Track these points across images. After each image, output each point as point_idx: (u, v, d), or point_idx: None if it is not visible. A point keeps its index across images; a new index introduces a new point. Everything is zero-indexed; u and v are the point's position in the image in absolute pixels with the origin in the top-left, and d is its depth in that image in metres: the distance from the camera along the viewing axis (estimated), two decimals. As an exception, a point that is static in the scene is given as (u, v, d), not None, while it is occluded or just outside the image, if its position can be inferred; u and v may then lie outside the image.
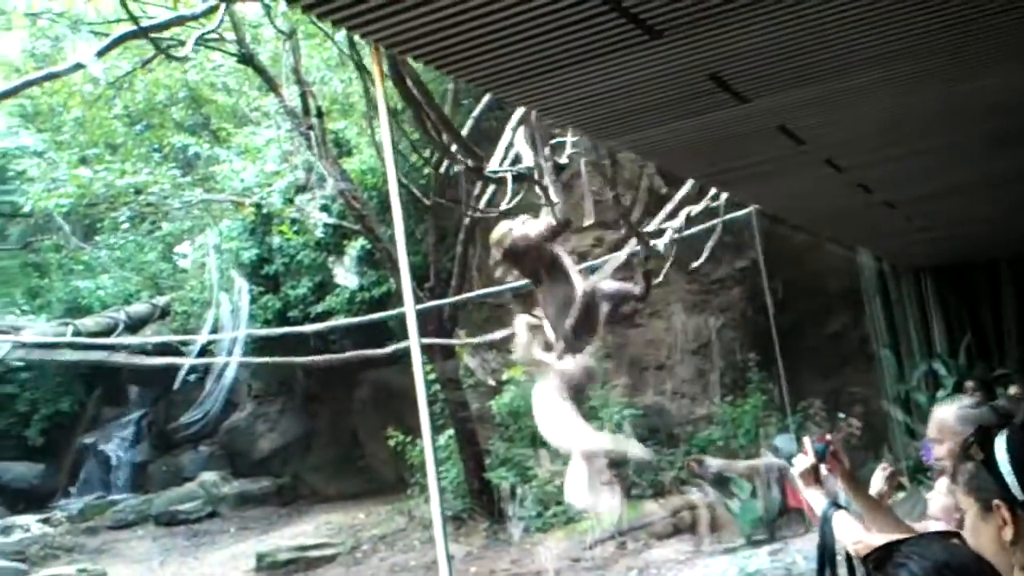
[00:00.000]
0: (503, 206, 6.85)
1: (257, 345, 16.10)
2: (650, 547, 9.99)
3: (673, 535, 9.87)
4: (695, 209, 9.54)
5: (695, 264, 9.90)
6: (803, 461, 3.39)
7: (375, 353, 9.56)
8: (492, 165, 7.34)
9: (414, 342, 4.04)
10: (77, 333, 16.14)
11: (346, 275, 14.23)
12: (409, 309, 4.42)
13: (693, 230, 9.38)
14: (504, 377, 12.69)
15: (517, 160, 6.35)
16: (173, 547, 14.23)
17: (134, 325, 17.86)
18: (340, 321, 12.64)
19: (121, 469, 18.23)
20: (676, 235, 9.16)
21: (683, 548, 9.61)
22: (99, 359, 12.89)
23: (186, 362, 11.38)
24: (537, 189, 6.51)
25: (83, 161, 14.67)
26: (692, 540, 9.72)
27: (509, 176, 6.47)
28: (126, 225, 18.63)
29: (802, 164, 5.46)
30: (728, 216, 9.48)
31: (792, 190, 6.20)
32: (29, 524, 15.82)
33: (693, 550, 9.56)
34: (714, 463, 10.50)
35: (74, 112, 14.67)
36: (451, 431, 12.77)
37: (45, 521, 16.05)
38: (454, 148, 7.23)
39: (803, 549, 8.83)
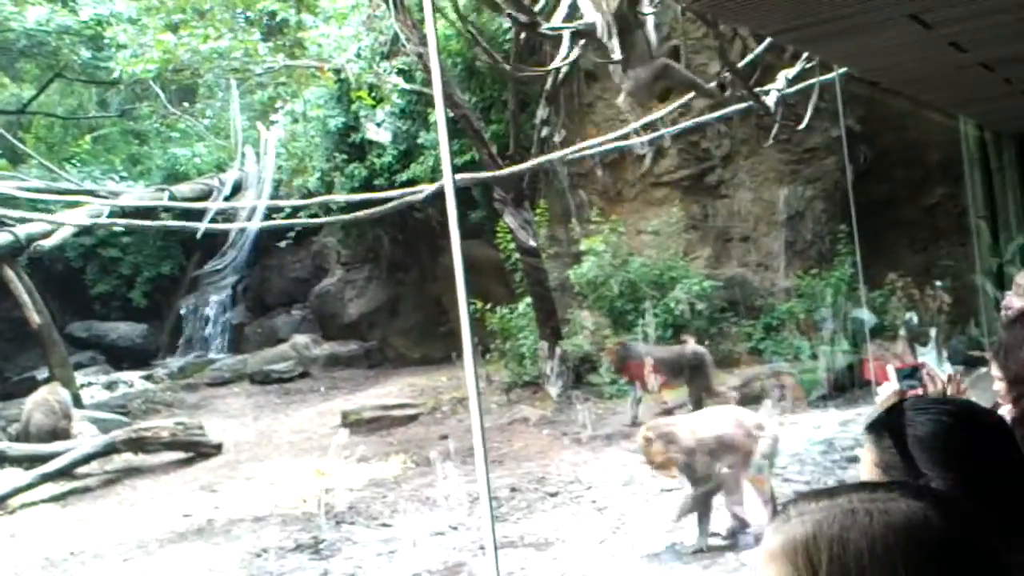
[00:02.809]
0: (556, 63, 6.66)
1: (342, 212, 16.35)
2: (721, 416, 10.00)
3: (744, 404, 9.85)
4: (791, 72, 9.14)
5: (800, 126, 9.52)
6: (886, 388, 3.14)
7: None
8: (556, 23, 7.09)
9: (452, 220, 4.01)
10: (173, 199, 16.65)
11: (378, 131, 14.16)
12: (448, 185, 4.38)
13: (790, 90, 9.02)
14: (582, 247, 12.62)
15: (576, 16, 6.12)
16: (266, 404, 14.93)
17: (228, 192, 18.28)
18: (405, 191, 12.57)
19: (218, 330, 19.06)
20: (779, 94, 8.85)
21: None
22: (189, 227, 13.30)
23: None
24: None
25: (172, 28, 14.81)
26: (761, 408, 9.68)
27: (566, 33, 6.25)
28: (220, 94, 18.90)
29: (886, 19, 5.08)
30: (822, 78, 9.05)
31: (876, 49, 5.79)
32: (132, 380, 16.79)
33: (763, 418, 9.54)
34: (640, 349, 10.53)
35: (162, -23, 14.72)
36: (529, 299, 12.85)
37: (147, 378, 17.00)
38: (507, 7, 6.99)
39: (874, 422, 8.71)
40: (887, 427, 1.48)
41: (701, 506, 6.79)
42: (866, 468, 1.48)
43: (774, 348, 11.36)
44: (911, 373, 3.19)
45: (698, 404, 9.64)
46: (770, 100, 7.64)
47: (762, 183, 13.43)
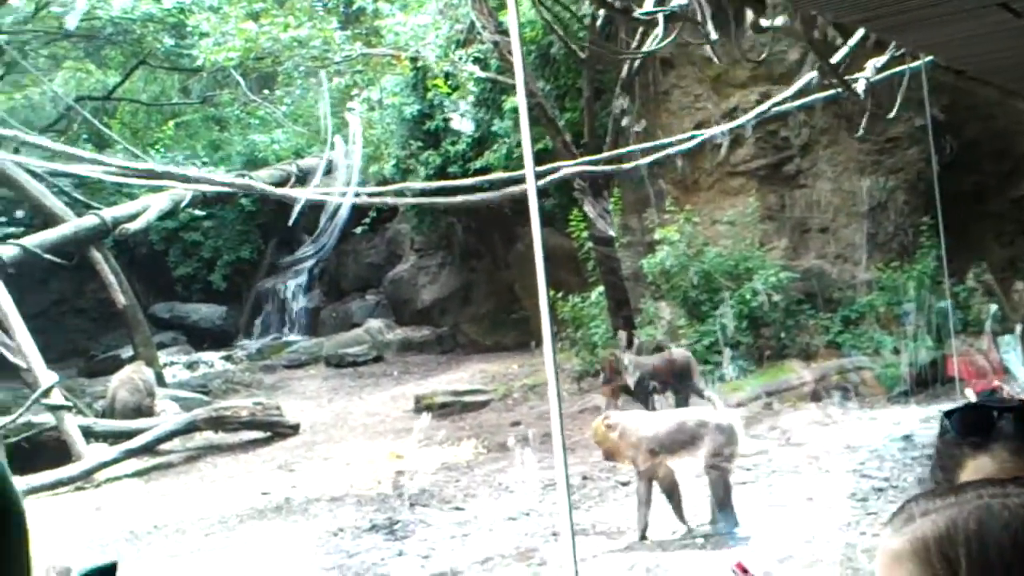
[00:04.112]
0: (652, 46, 6.64)
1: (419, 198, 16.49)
2: (796, 408, 9.89)
3: (821, 398, 9.72)
4: (879, 60, 8.96)
5: (890, 115, 9.34)
6: None
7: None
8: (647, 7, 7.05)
9: (533, 208, 4.04)
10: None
11: (461, 120, 14.23)
12: (529, 173, 4.41)
13: (879, 76, 8.86)
14: (657, 236, 12.54)
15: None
16: (340, 386, 15.19)
17: (304, 178, 18.57)
18: (489, 176, 12.63)
19: (296, 313, 19.44)
20: (868, 82, 8.70)
21: (829, 411, 9.45)
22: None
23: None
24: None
25: (253, 16, 15.11)
26: (839, 403, 9.54)
27: (661, 16, 6.22)
28: (299, 82, 19.19)
29: (973, 8, 4.95)
30: (909, 66, 8.85)
31: (962, 38, 5.64)
32: (213, 361, 17.25)
33: (840, 412, 9.39)
34: (627, 359, 10.66)
35: (244, -34, 15.00)
36: (601, 288, 12.82)
37: (227, 359, 17.44)
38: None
39: (957, 419, 8.51)
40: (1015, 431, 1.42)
41: (642, 496, 7.16)
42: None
43: (853, 342, 11.15)
44: (991, 395, 3.19)
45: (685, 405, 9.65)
46: (860, 87, 7.50)
47: (842, 173, 13.17)
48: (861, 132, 9.33)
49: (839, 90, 8.23)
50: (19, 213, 16.78)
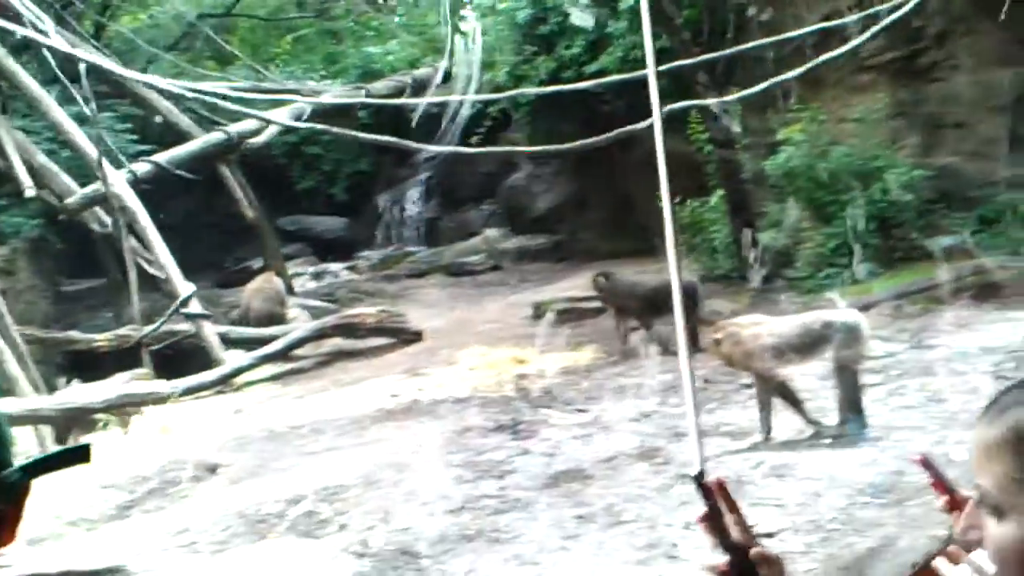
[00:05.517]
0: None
1: (530, 106, 16.39)
2: (928, 311, 9.57)
3: (954, 300, 9.36)
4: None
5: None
6: None
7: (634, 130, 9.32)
8: None
9: (655, 107, 3.96)
10: (369, 96, 17.19)
11: (582, 16, 13.90)
12: (651, 71, 4.29)
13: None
14: (779, 137, 12.15)
15: None
16: (460, 295, 15.48)
17: (419, 88, 18.65)
18: (601, 80, 12.37)
19: (414, 224, 19.79)
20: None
21: (961, 314, 9.10)
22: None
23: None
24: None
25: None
26: (973, 306, 9.18)
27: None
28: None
29: None
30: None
31: None
32: (337, 271, 17.86)
33: (975, 314, 9.03)
34: (620, 277, 10.11)
35: None
36: (721, 192, 12.57)
37: (350, 269, 18.00)
38: None
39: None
40: None
41: (764, 400, 7.11)
42: None
43: (989, 241, 10.66)
44: None
45: (693, 337, 8.75)
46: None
47: (980, 64, 12.39)
48: (1003, 17, 8.73)
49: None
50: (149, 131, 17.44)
